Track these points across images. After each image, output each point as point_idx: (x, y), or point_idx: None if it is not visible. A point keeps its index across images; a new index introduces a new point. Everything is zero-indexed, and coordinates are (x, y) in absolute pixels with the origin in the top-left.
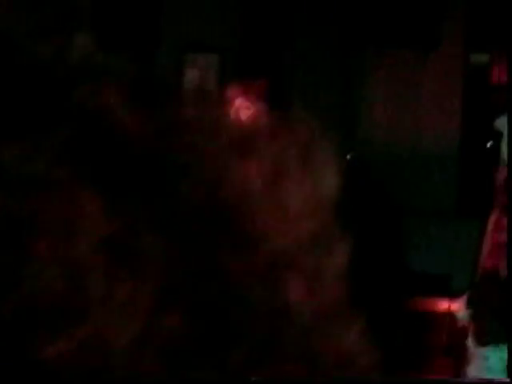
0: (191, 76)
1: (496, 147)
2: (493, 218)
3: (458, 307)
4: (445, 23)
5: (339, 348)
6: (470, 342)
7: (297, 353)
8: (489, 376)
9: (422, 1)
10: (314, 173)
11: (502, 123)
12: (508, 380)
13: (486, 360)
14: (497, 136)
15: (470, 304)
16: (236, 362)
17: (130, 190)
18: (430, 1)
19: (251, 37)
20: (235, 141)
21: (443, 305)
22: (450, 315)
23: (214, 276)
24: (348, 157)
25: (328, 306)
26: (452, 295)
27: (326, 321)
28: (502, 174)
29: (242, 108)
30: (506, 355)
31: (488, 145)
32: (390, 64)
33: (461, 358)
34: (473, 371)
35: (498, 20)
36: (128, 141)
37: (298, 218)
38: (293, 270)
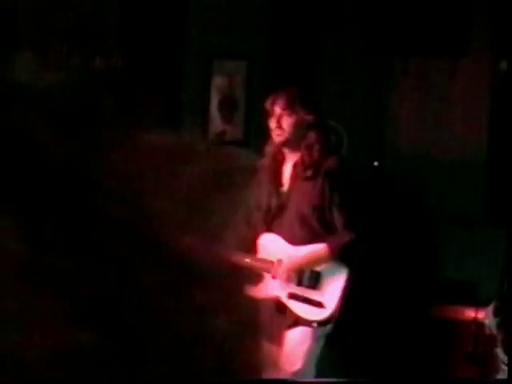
0: (219, 83)
1: None
2: None
3: (484, 315)
4: (474, 30)
5: (253, 358)
6: (498, 350)
7: (213, 365)
8: None
9: (451, 8)
10: (236, 193)
11: None
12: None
13: None
14: None
15: (497, 312)
16: (150, 375)
17: (49, 209)
18: (459, 8)
19: (279, 43)
20: (158, 162)
21: (470, 313)
22: (476, 323)
23: (130, 291)
24: (375, 164)
25: (243, 320)
26: (479, 303)
27: (241, 333)
28: None
29: (284, 116)
30: None
31: None
32: (418, 71)
33: (488, 366)
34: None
35: None
36: (49, 162)
37: (219, 236)
38: (210, 285)
